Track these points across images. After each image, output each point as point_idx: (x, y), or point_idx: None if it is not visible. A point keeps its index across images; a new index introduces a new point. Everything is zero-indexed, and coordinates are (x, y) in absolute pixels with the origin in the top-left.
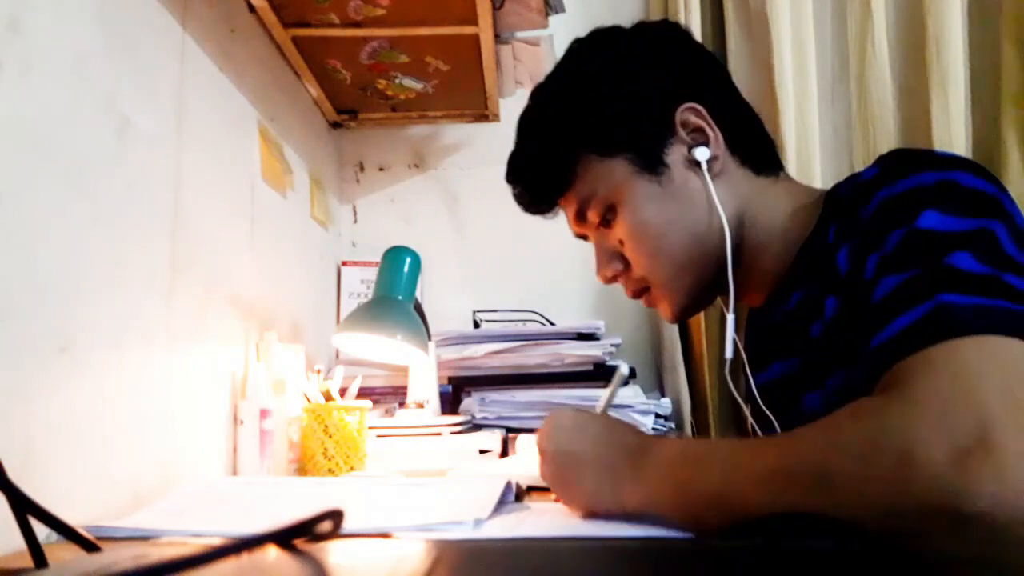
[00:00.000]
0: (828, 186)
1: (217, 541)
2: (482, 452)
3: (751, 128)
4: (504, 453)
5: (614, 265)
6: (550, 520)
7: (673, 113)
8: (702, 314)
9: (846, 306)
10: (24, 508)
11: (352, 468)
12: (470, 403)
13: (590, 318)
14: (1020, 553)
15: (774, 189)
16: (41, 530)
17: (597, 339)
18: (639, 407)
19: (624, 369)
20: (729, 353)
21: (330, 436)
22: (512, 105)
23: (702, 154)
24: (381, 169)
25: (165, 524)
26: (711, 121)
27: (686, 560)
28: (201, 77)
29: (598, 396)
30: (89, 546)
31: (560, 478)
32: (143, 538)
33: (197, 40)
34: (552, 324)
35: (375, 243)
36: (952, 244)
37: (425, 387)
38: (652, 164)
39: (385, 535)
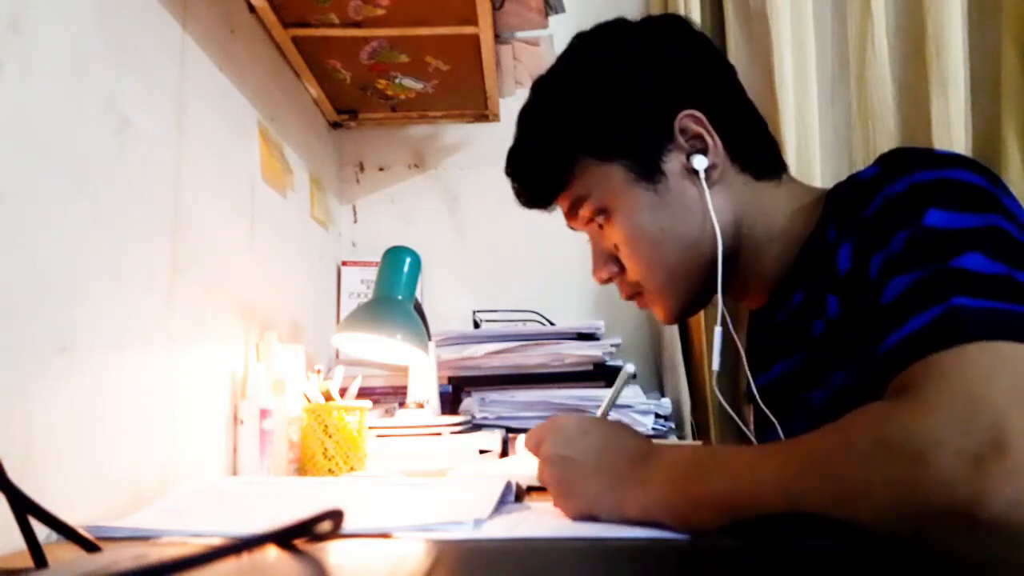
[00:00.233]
0: (828, 186)
1: (217, 541)
2: (482, 452)
3: (754, 132)
4: (504, 453)
5: (609, 267)
6: (550, 520)
7: (672, 120)
8: (702, 314)
9: (849, 304)
10: (24, 508)
11: (352, 468)
12: (470, 403)
13: (590, 318)
14: None
15: (775, 192)
16: (41, 530)
17: (597, 339)
18: (639, 407)
19: (630, 368)
20: (716, 365)
21: (330, 436)
22: (512, 105)
23: (700, 163)
24: (381, 169)
25: (165, 524)
26: (710, 128)
27: (686, 560)
28: (201, 77)
29: (598, 396)
30: (89, 546)
31: (561, 483)
32: (143, 538)
33: (197, 40)
34: (552, 324)
35: (375, 243)
36: (962, 243)
37: (425, 387)
38: (649, 172)
39: (385, 535)
